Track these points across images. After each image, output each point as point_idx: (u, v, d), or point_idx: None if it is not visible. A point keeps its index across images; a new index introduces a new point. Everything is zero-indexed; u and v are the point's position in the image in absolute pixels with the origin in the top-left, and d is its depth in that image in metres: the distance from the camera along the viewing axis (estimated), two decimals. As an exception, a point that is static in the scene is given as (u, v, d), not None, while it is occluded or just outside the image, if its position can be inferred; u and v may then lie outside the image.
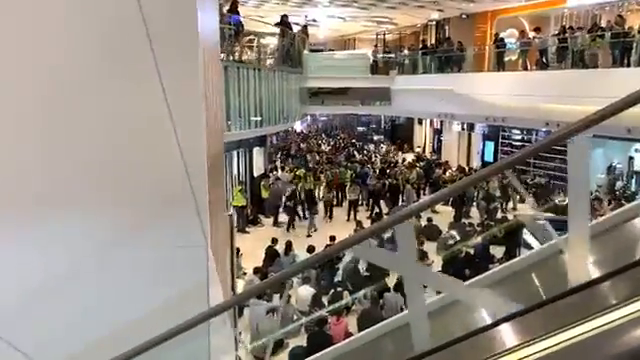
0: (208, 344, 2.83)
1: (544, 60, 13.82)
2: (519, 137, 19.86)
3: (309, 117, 35.90)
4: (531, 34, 14.92)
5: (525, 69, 14.46)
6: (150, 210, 2.87)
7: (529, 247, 9.08)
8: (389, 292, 9.11)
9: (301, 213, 15.08)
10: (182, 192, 2.76)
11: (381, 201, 15.91)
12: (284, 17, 15.16)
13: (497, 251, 11.49)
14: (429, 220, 13.03)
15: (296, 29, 16.86)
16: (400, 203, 16.00)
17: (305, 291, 8.96)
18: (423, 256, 10.64)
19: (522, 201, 16.58)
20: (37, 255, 2.88)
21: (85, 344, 2.75)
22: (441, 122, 23.79)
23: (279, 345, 7.90)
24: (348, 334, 7.58)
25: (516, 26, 17.68)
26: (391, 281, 9.82)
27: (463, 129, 22.22)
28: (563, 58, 13.29)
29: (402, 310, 8.72)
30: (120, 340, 2.62)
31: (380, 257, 2.16)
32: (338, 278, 10.26)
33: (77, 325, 2.86)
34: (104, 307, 2.90)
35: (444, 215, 14.31)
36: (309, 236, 13.65)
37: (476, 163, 20.68)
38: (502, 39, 15.98)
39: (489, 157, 20.40)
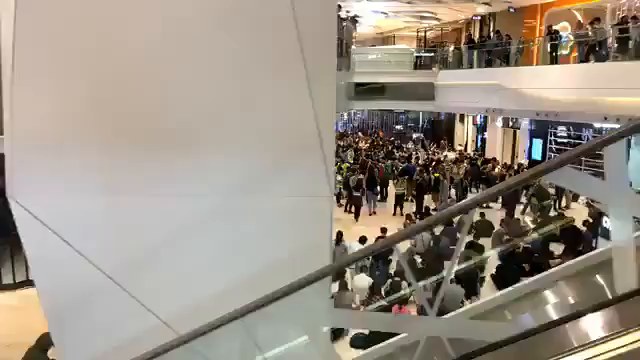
0: (333, 297, 2.70)
1: (603, 52, 13.28)
2: (571, 134, 19.12)
3: (345, 115, 35.78)
4: (588, 26, 14.38)
5: (581, 62, 13.92)
6: (278, 160, 2.78)
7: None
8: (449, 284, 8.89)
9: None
10: (310, 142, 2.66)
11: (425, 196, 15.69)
12: (338, 7, 15.00)
13: (555, 247, 11.15)
14: (482, 215, 12.68)
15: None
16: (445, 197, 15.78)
17: (363, 280, 8.81)
18: (481, 249, 10.37)
19: (575, 199, 16.00)
20: (163, 206, 2.82)
21: (209, 295, 2.67)
22: (484, 119, 23.23)
23: (339, 333, 7.76)
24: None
25: (569, 19, 17.11)
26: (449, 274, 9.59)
27: (508, 126, 21.62)
28: (624, 49, 12.73)
29: (463, 303, 8.49)
30: (243, 291, 2.53)
31: (582, 183, 1.99)
32: (392, 269, 10.09)
33: (202, 276, 2.79)
34: (229, 258, 2.82)
35: (493, 212, 14.04)
36: (374, 213, 15.24)
37: (524, 161, 20.06)
38: (556, 31, 15.50)
39: (537, 155, 19.77)
